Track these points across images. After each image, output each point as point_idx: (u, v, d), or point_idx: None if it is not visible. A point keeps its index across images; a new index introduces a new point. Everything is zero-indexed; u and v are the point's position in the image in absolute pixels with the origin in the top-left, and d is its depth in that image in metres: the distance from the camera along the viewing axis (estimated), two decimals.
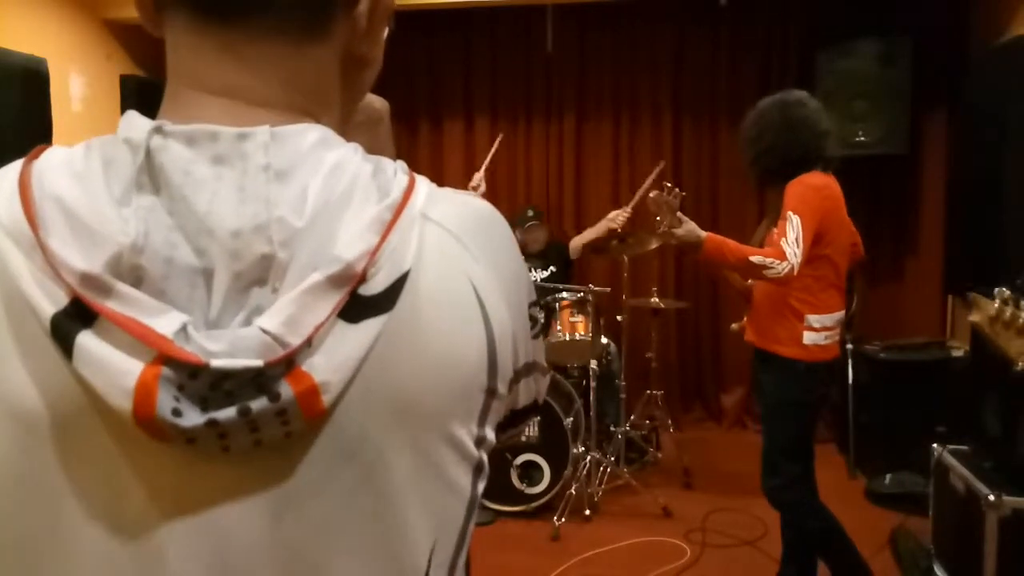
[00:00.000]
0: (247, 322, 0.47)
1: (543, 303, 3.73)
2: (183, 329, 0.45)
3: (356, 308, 0.48)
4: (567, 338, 3.73)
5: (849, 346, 3.90)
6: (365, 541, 0.50)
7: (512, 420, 0.62)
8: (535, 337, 0.61)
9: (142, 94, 4.08)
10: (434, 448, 0.51)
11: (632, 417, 4.20)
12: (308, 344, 0.46)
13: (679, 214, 2.32)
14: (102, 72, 4.07)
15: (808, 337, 2.37)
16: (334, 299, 0.47)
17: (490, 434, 0.56)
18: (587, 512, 3.49)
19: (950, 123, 4.35)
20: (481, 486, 0.56)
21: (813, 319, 2.38)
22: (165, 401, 0.44)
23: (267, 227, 0.47)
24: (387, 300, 0.49)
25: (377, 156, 0.54)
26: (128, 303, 0.45)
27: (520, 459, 3.51)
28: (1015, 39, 3.52)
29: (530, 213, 4.48)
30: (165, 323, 0.45)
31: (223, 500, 0.47)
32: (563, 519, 3.40)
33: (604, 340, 4.12)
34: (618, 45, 4.85)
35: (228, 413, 0.44)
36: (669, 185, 2.40)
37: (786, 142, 2.40)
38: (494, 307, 0.54)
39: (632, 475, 3.71)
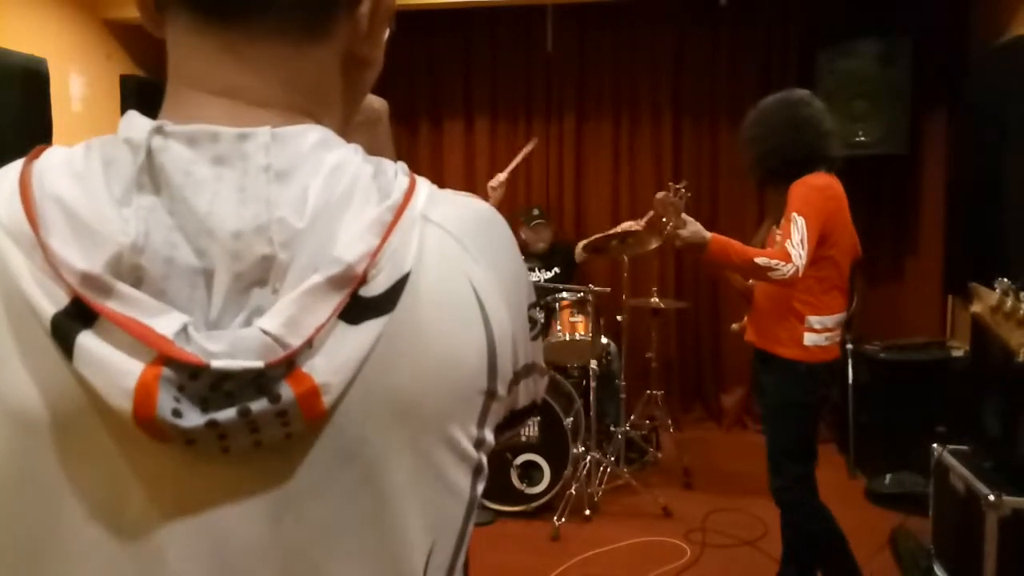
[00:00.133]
0: (247, 323, 0.47)
1: (543, 303, 3.72)
2: (183, 330, 0.45)
3: (357, 309, 0.48)
4: (567, 338, 3.73)
5: (849, 346, 3.90)
6: (364, 542, 0.50)
7: (511, 421, 0.62)
8: (534, 338, 0.61)
9: (142, 94, 4.08)
10: (434, 450, 0.51)
11: (632, 417, 4.20)
12: (309, 345, 0.46)
13: (684, 215, 2.32)
14: (102, 72, 4.07)
15: (809, 338, 2.36)
16: (335, 300, 0.47)
17: (489, 436, 0.56)
18: (587, 512, 3.48)
19: (950, 123, 4.35)
20: (480, 488, 0.56)
21: (814, 320, 2.37)
22: (165, 402, 0.44)
23: (268, 228, 0.47)
24: (387, 302, 0.49)
25: (378, 157, 0.54)
26: (128, 303, 0.45)
27: (520, 459, 3.51)
28: (1015, 39, 3.52)
29: (535, 212, 4.48)
30: (165, 323, 0.45)
31: (223, 501, 0.47)
32: (563, 519, 3.40)
33: (604, 340, 4.12)
34: (618, 45, 4.85)
35: (228, 414, 0.44)
36: (675, 186, 2.39)
37: (790, 142, 2.38)
38: (494, 309, 0.54)
39: (632, 475, 3.70)
